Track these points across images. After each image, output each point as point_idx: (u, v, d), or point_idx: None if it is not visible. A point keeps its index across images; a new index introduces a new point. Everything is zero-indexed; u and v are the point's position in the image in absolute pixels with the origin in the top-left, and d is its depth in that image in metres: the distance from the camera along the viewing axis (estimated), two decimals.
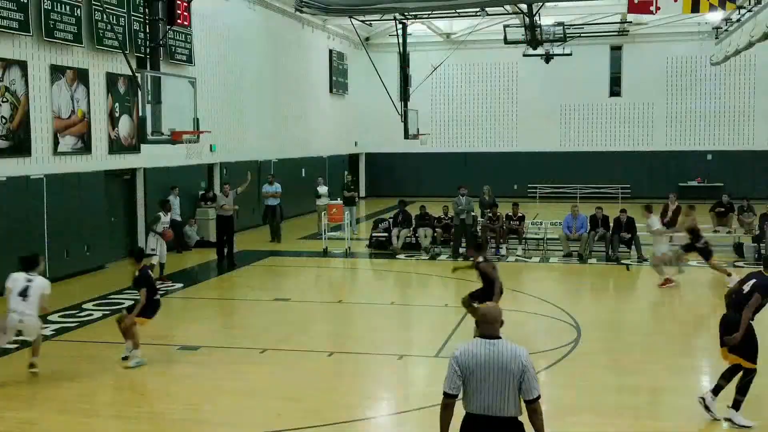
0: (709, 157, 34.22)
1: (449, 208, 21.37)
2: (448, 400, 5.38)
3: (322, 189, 24.85)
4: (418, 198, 28.89)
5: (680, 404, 9.00)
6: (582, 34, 32.14)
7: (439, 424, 5.41)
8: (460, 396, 5.39)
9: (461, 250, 19.25)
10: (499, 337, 5.35)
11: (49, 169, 16.19)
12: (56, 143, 16.40)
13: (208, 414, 8.73)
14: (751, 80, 33.60)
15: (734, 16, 27.05)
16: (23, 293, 9.76)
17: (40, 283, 9.96)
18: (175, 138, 14.19)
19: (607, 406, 8.92)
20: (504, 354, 5.25)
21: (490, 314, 5.43)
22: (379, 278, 18.50)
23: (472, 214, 20.00)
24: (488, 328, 5.38)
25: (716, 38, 31.53)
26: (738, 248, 19.55)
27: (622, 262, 18.64)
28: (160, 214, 16.43)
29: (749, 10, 24.46)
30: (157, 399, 9.38)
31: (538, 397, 5.25)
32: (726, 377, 8.47)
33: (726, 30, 29.36)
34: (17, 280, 9.90)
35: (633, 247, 19.13)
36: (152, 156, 19.16)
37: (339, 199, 23.93)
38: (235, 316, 14.01)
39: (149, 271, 11.04)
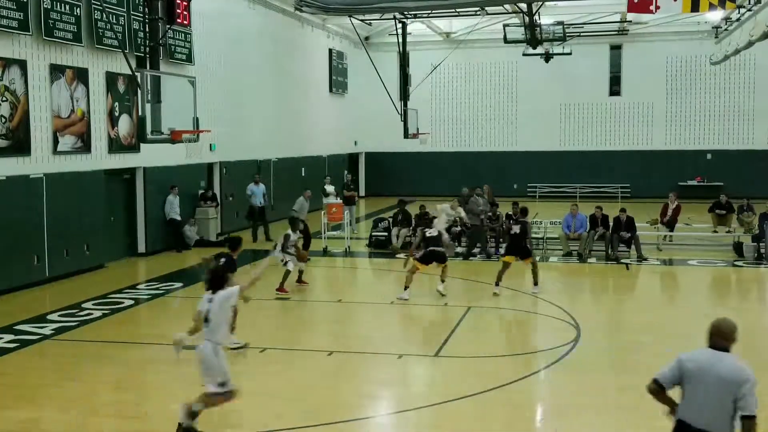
0: (709, 156, 34.24)
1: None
2: (653, 385, 5.52)
3: (330, 188, 24.87)
4: (418, 197, 28.87)
5: None
6: (582, 34, 32.16)
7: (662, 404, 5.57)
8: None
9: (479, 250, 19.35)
10: (728, 351, 5.36)
11: (49, 168, 16.18)
12: (56, 142, 16.39)
13: (207, 414, 8.72)
14: (750, 79, 33.59)
15: (734, 16, 27.08)
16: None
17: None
18: (174, 137, 14.18)
19: (607, 406, 8.92)
20: (726, 367, 5.23)
21: (724, 327, 5.47)
22: (378, 278, 18.50)
23: (488, 214, 19.93)
24: (718, 340, 5.43)
25: (716, 37, 31.58)
26: (738, 247, 19.54)
27: (622, 261, 18.65)
28: (289, 233, 15.08)
29: (749, 10, 24.50)
30: (157, 398, 9.38)
31: (754, 417, 5.09)
32: None
33: (726, 29, 29.39)
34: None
35: (632, 246, 19.14)
36: (152, 155, 19.15)
37: (338, 198, 23.99)
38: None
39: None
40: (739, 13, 25.79)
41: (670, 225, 21.36)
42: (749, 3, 23.81)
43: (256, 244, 21.79)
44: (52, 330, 12.30)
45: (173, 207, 20.46)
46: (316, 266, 19.02)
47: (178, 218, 20.51)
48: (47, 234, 16.04)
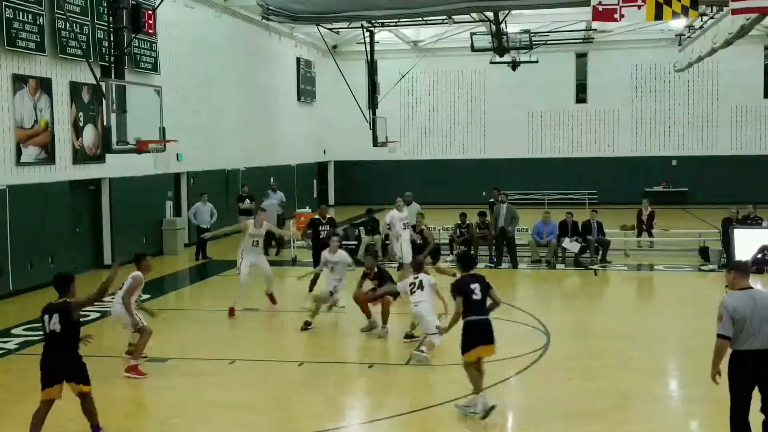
0: (674, 162, 34.68)
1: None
2: (723, 341, 7.15)
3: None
4: (388, 206, 28.81)
5: (650, 408, 9.06)
6: (548, 42, 32.42)
7: None
8: None
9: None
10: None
11: (12, 180, 15.92)
12: (19, 154, 16.13)
13: (176, 427, 8.62)
14: (714, 86, 34.15)
15: (697, 24, 27.46)
16: None
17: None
18: (140, 147, 14.03)
19: (577, 412, 8.94)
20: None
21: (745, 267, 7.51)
22: (349, 287, 18.39)
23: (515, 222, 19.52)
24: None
25: (679, 45, 32.02)
26: (703, 252, 19.73)
27: (589, 267, 18.77)
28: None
29: (711, 18, 24.84)
30: (124, 412, 9.22)
31: None
32: None
33: (689, 37, 29.81)
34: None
35: (599, 251, 19.29)
36: (118, 166, 18.94)
37: (307, 207, 23.87)
38: (204, 326, 13.84)
39: None
40: (701, 21, 26.15)
41: (648, 231, 21.67)
42: (711, 11, 24.15)
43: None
44: (17, 344, 12.09)
45: (202, 215, 20.57)
46: (285, 276, 18.90)
47: (206, 226, 20.48)
48: (11, 247, 15.77)
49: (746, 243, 17.87)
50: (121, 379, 10.47)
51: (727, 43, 22.41)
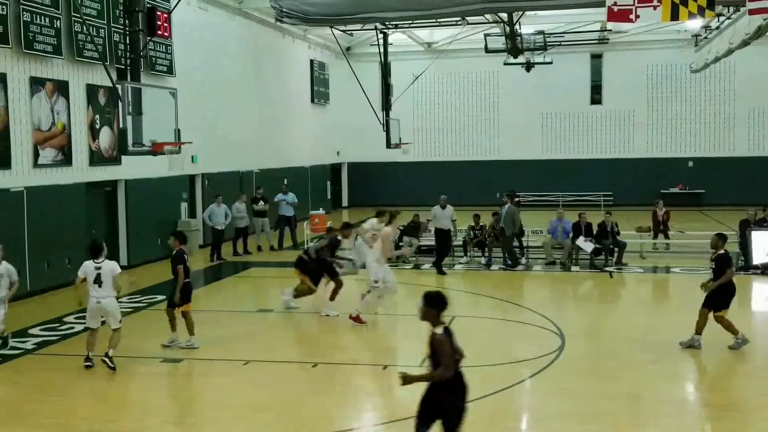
0: (690, 163, 34.49)
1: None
2: None
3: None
4: (401, 207, 28.78)
5: (661, 410, 9.01)
6: (562, 43, 32.32)
7: None
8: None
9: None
10: None
11: (30, 181, 16.04)
12: (36, 156, 16.26)
13: (190, 428, 8.65)
14: (731, 87, 33.93)
15: (713, 24, 27.31)
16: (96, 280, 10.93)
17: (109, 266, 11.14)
18: (156, 149, 14.08)
19: (590, 413, 8.92)
20: None
21: None
22: (361, 288, 18.40)
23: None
24: None
25: (696, 46, 31.85)
26: None
27: (605, 269, 18.69)
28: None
29: (728, 18, 24.70)
30: (138, 413, 9.27)
31: None
32: None
33: (705, 38, 29.65)
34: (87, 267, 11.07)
35: (614, 253, 19.20)
36: (133, 167, 19.04)
37: (321, 209, 23.90)
38: (218, 327, 13.89)
39: (184, 253, 11.84)
40: (718, 21, 26.01)
41: (665, 233, 21.57)
42: (728, 11, 24.01)
43: (275, 253, 21.69)
44: (34, 344, 12.17)
45: (216, 217, 20.74)
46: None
47: (221, 228, 20.64)
48: (28, 248, 15.88)
49: (764, 245, 17.76)
50: (133, 379, 10.53)
51: (744, 43, 22.28)
